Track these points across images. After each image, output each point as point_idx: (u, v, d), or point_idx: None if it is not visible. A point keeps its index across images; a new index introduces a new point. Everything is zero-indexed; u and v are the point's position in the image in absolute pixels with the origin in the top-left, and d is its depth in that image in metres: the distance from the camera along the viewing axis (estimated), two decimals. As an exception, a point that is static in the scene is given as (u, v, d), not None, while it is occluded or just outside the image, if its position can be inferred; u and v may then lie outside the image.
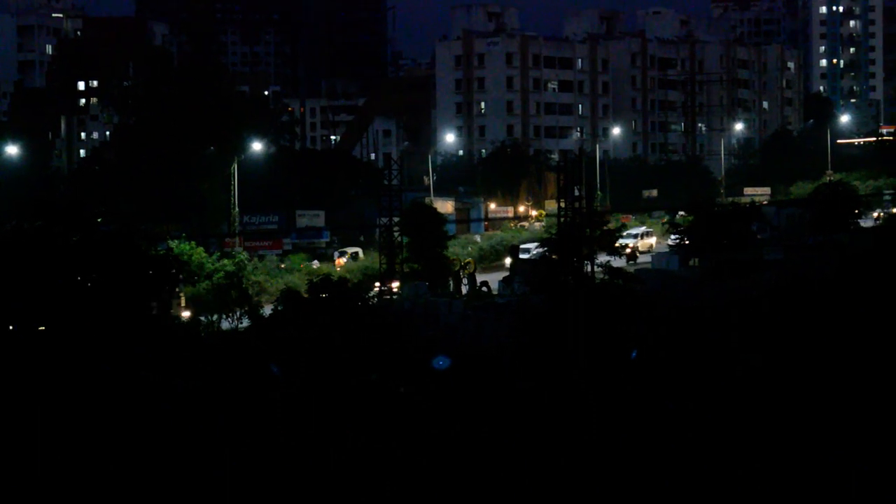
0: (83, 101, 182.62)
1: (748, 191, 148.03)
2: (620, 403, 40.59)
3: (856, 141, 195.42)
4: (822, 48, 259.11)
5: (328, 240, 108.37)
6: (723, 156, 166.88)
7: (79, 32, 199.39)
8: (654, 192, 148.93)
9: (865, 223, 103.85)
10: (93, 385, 39.73)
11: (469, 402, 41.19)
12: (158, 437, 37.21)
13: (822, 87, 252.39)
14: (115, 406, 38.76)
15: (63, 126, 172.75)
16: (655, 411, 39.75)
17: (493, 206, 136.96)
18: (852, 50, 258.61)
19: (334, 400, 40.28)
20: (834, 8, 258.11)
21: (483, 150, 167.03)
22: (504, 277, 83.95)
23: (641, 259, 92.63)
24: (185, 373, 41.70)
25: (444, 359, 41.41)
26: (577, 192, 71.03)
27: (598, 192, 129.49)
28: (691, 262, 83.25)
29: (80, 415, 38.32)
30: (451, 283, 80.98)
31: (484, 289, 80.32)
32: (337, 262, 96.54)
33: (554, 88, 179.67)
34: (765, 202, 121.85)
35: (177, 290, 64.30)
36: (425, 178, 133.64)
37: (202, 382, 40.78)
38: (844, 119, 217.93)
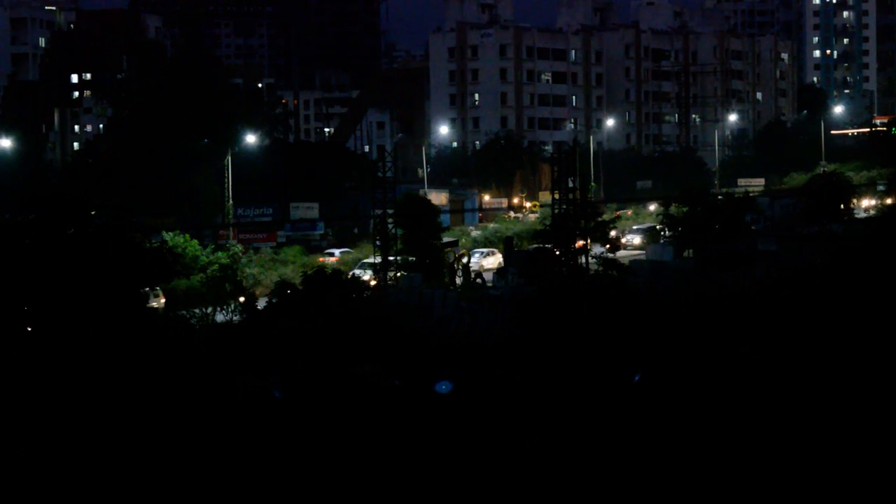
0: (76, 93, 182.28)
1: (742, 182, 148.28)
2: (621, 402, 40.55)
3: (849, 132, 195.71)
4: (816, 39, 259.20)
5: (322, 232, 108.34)
6: (717, 147, 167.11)
7: (72, 25, 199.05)
8: (648, 183, 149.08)
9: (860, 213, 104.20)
10: (89, 382, 39.72)
11: (468, 398, 41.14)
12: (157, 437, 37.16)
13: (815, 78, 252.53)
14: (112, 405, 38.73)
15: (56, 119, 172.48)
16: (657, 409, 39.73)
17: (487, 197, 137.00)
18: (846, 41, 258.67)
19: (334, 395, 40.26)
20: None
21: (477, 142, 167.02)
22: (498, 269, 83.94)
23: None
24: (183, 370, 41.65)
25: (446, 383, 41.44)
26: (571, 184, 71.24)
27: (592, 184, 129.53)
28: (685, 254, 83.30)
29: (78, 413, 38.31)
30: (445, 274, 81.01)
31: (478, 280, 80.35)
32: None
33: (548, 80, 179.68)
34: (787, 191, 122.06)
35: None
36: (419, 170, 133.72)
37: (201, 381, 40.75)
38: (838, 110, 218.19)
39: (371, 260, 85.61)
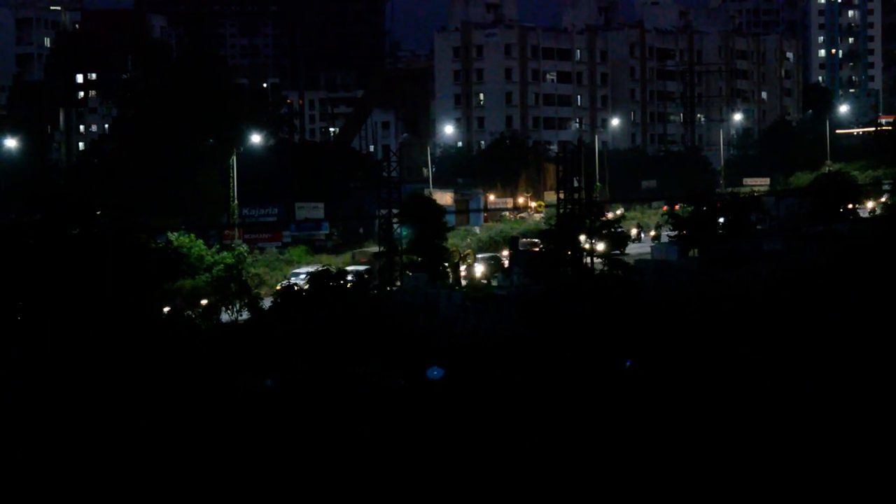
0: (82, 94, 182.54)
1: (747, 181, 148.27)
2: (621, 400, 40.58)
3: (855, 131, 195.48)
4: (821, 38, 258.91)
5: (327, 232, 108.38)
6: (722, 146, 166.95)
7: (77, 25, 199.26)
8: (653, 183, 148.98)
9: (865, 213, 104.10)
10: (89, 382, 39.74)
11: (469, 396, 41.18)
12: (157, 437, 37.17)
13: (820, 78, 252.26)
14: (112, 405, 38.74)
15: (62, 119, 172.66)
16: (656, 408, 39.74)
17: (492, 197, 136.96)
18: (851, 40, 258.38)
19: (333, 395, 40.30)
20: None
21: (482, 142, 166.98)
22: (503, 268, 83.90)
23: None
24: (183, 370, 41.64)
25: (437, 369, 41.54)
26: (576, 183, 71.18)
27: (598, 184, 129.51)
28: (690, 253, 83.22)
29: (78, 413, 38.32)
30: (450, 274, 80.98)
31: (484, 280, 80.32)
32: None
33: (553, 79, 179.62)
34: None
35: None
36: (424, 170, 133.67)
37: (201, 381, 40.75)
38: (843, 109, 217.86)
39: (305, 269, 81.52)
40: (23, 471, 35.38)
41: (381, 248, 76.84)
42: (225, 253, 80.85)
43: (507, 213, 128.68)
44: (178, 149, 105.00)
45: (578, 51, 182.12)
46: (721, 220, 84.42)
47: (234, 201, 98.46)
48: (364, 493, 34.83)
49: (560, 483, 35.03)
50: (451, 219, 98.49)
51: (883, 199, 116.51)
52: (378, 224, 79.94)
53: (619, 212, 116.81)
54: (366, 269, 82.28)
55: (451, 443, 37.26)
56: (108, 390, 39.33)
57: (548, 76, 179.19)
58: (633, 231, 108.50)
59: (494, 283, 78.83)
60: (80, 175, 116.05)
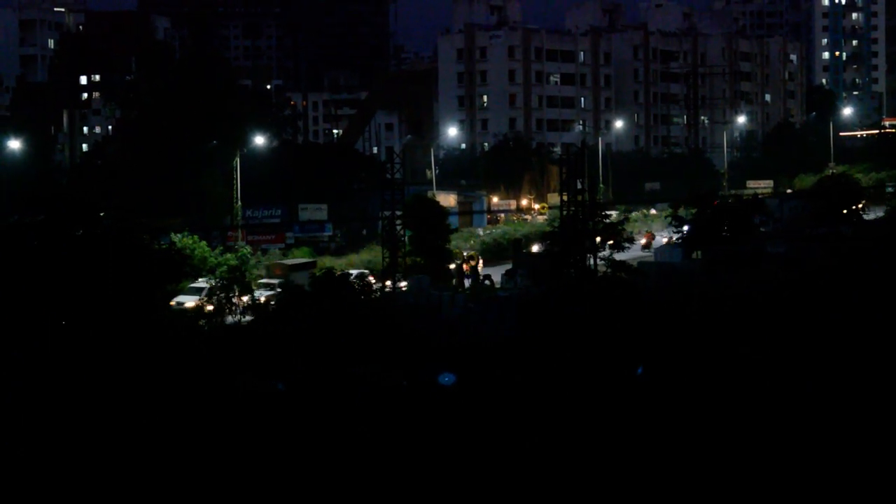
0: (85, 95, 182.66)
1: (751, 183, 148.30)
2: (623, 401, 40.56)
3: (858, 133, 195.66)
4: (825, 41, 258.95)
5: (331, 233, 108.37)
6: (725, 148, 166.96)
7: (81, 27, 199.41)
8: (657, 185, 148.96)
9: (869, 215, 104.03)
10: (90, 383, 39.75)
11: (471, 397, 41.18)
12: (155, 437, 37.16)
13: (824, 80, 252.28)
14: (111, 405, 38.74)
15: (65, 120, 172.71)
16: (658, 409, 39.73)
17: (495, 199, 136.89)
18: (855, 42, 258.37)
19: (335, 394, 40.31)
20: (836, 0, 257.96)
21: (485, 144, 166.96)
22: (507, 270, 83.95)
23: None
24: (183, 371, 41.64)
25: (449, 375, 41.52)
26: (579, 185, 71.19)
27: (601, 185, 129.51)
28: (694, 255, 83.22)
29: (79, 413, 38.33)
30: (453, 275, 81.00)
31: (486, 282, 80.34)
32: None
33: (556, 81, 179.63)
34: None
35: None
36: (428, 172, 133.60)
37: (201, 381, 40.75)
38: (847, 112, 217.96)
39: (200, 284, 73.91)
40: (23, 471, 35.38)
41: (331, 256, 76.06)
42: (228, 254, 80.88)
43: (504, 215, 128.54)
44: (182, 150, 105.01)
45: (582, 53, 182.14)
46: (724, 222, 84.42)
47: (237, 203, 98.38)
48: (363, 493, 34.84)
49: (560, 484, 35.03)
50: (454, 221, 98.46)
51: (860, 206, 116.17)
52: (381, 226, 79.97)
53: (650, 211, 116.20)
54: (279, 283, 72.45)
55: (447, 441, 37.27)
56: (107, 390, 39.34)
57: (551, 78, 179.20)
58: (643, 241, 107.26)
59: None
60: (83, 176, 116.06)
